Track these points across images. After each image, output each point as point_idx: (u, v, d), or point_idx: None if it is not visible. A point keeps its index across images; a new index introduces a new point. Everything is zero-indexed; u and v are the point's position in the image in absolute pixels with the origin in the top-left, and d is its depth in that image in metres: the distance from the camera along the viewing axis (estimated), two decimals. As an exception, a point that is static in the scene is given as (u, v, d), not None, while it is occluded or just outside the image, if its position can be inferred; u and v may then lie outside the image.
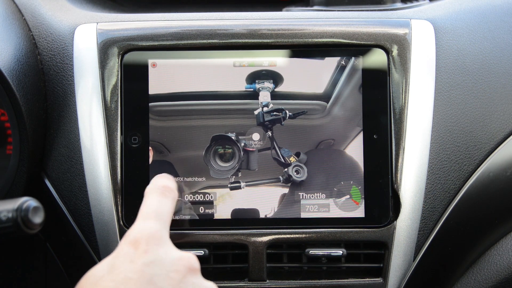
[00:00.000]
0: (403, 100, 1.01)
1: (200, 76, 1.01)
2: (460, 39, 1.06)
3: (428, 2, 1.15)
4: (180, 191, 1.01)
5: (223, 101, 1.01)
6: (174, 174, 1.00)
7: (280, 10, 1.16)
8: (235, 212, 1.01)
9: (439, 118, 1.03)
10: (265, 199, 1.01)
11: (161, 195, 0.90)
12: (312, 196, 1.01)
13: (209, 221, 1.01)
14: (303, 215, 1.01)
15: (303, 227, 1.00)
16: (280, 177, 1.01)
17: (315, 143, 1.01)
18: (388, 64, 1.02)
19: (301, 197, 1.01)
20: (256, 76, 1.01)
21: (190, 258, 0.82)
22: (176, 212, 1.00)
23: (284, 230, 1.00)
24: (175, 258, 0.81)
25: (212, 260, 1.02)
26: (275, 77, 1.01)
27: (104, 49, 1.01)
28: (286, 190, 1.01)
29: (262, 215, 1.01)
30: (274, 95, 1.01)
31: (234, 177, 1.01)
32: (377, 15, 1.08)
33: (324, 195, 1.01)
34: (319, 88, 1.02)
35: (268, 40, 1.02)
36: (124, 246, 0.81)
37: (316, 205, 1.01)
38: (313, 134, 1.01)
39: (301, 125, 1.01)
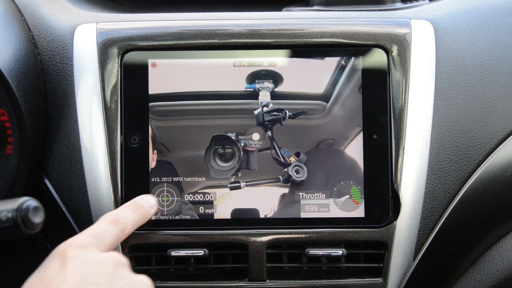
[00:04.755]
0: (403, 100, 1.01)
1: (200, 76, 1.01)
2: (460, 39, 1.06)
3: (428, 2, 1.15)
4: (180, 191, 1.01)
5: (223, 101, 1.01)
6: (174, 174, 1.00)
7: (280, 10, 1.16)
8: (235, 212, 1.01)
9: (439, 118, 1.03)
10: (265, 199, 1.01)
11: (109, 222, 0.88)
12: (312, 196, 1.01)
13: (209, 221, 1.01)
14: (303, 215, 1.01)
15: (303, 227, 1.00)
16: (280, 177, 1.01)
17: (315, 143, 1.01)
18: (388, 64, 1.02)
19: (301, 197, 1.01)
20: (256, 76, 1.01)
21: (117, 255, 0.83)
22: (176, 212, 1.00)
23: (284, 230, 1.00)
24: (102, 257, 0.81)
25: (212, 260, 1.02)
26: (275, 77, 1.01)
27: (104, 49, 1.01)
28: (286, 190, 1.01)
29: (262, 215, 1.01)
30: (274, 95, 1.01)
31: (234, 177, 1.01)
32: (377, 15, 1.08)
33: (324, 195, 1.01)
34: (319, 88, 1.01)
35: (268, 40, 1.02)
36: (51, 258, 0.80)
37: (316, 205, 1.01)
38: (313, 134, 1.01)
39: (301, 125, 1.01)
